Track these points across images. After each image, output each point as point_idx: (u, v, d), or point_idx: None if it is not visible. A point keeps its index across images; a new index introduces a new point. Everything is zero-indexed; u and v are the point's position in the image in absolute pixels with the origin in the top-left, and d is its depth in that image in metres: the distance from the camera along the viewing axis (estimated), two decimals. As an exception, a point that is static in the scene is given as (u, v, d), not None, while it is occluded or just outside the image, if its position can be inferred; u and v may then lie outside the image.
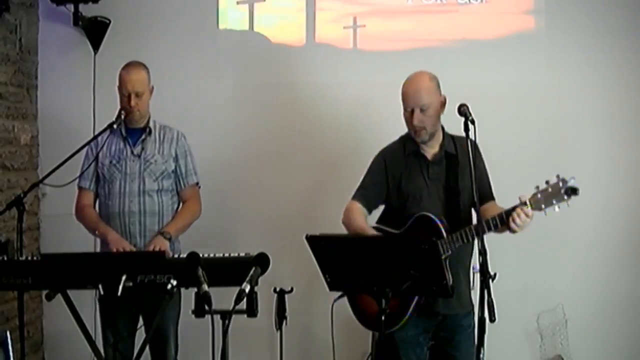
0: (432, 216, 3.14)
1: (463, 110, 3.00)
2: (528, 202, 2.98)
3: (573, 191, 2.90)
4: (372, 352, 4.06)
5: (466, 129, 2.99)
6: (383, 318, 2.85)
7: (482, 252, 2.82)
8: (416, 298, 3.11)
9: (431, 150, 3.29)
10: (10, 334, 3.16)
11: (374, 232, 3.25)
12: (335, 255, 2.90)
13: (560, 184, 2.92)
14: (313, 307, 4.32)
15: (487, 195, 3.28)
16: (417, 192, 3.25)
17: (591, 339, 4.29)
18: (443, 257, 3.00)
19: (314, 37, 4.58)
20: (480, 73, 4.33)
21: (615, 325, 4.28)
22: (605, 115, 4.33)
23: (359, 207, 3.31)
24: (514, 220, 2.97)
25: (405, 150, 3.31)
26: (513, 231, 3.02)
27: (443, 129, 3.31)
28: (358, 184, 3.38)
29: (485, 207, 3.19)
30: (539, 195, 2.96)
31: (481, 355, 2.90)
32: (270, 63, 4.59)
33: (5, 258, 3.34)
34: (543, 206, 2.96)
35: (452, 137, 3.30)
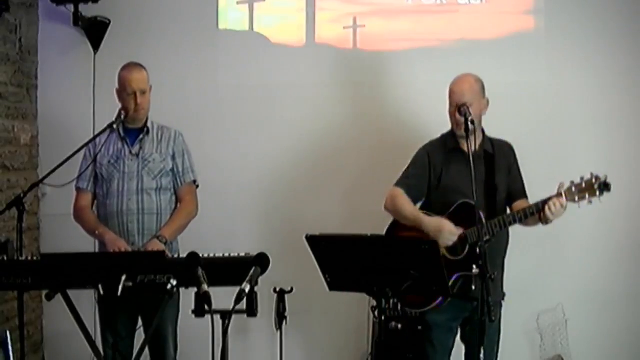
0: (474, 203, 3.20)
1: (463, 111, 3.02)
2: (564, 194, 3.16)
3: (606, 187, 3.14)
4: (371, 352, 4.07)
5: (466, 129, 3.00)
6: (384, 317, 2.86)
7: (482, 253, 2.83)
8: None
9: (471, 147, 3.36)
10: (10, 334, 3.16)
11: (430, 218, 3.31)
12: (335, 255, 2.91)
13: (594, 180, 3.14)
14: (313, 307, 4.32)
15: (521, 193, 3.45)
16: (457, 185, 3.33)
17: (591, 339, 4.29)
18: (483, 240, 3.06)
19: (314, 37, 4.56)
20: (479, 73, 4.29)
21: (615, 325, 4.28)
22: (605, 115, 4.33)
23: (403, 194, 3.40)
24: (549, 209, 3.15)
25: (446, 146, 3.43)
26: (547, 221, 3.19)
27: (483, 131, 3.43)
28: (401, 173, 3.47)
29: (518, 203, 3.37)
30: (573, 189, 3.17)
31: (481, 355, 2.91)
32: (270, 63, 4.58)
33: (5, 258, 3.34)
34: (577, 199, 3.16)
35: (491, 140, 3.45)
